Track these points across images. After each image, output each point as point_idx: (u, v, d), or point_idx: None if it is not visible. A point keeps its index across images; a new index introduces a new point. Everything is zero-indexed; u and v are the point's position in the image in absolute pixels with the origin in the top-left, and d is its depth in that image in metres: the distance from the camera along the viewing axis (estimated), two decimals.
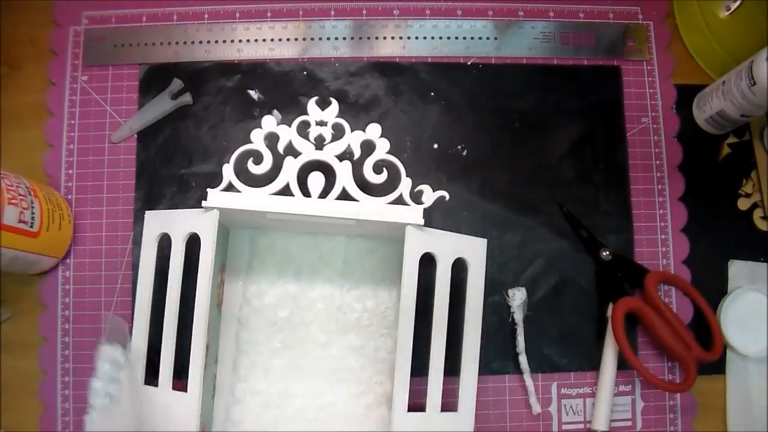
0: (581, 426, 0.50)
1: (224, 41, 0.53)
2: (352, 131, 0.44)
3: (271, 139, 0.44)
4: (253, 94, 0.53)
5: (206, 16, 0.54)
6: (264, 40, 0.53)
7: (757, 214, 0.53)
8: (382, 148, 0.44)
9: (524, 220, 0.52)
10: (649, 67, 0.55)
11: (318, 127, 0.44)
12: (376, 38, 0.54)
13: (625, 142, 0.53)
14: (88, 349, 0.48)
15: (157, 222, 0.45)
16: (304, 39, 0.53)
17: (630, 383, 0.50)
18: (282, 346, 0.48)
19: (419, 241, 0.43)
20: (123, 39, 0.53)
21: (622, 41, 0.55)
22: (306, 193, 0.43)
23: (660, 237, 0.52)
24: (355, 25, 0.54)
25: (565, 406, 0.50)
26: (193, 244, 0.44)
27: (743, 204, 0.53)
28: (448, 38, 0.54)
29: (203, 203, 0.43)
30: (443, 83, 0.53)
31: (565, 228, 0.52)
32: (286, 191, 0.43)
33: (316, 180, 0.44)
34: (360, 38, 0.54)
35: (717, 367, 0.51)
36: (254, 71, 0.53)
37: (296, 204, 0.43)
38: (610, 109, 0.54)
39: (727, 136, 0.54)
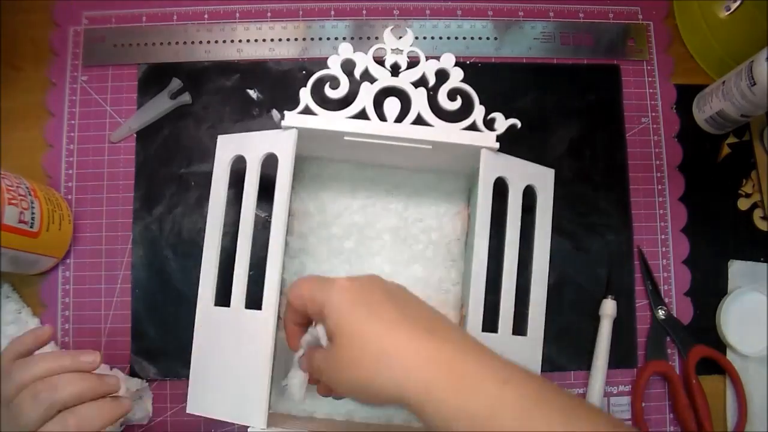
0: None
1: (224, 41, 0.53)
2: (426, 60, 0.44)
3: (347, 66, 0.44)
4: (253, 93, 0.53)
5: (206, 16, 0.54)
6: (264, 40, 0.53)
7: (757, 214, 0.53)
8: (456, 77, 0.44)
9: None
10: (649, 67, 0.55)
11: (393, 54, 0.45)
12: (376, 38, 0.54)
13: (625, 142, 0.53)
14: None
15: (230, 145, 0.45)
16: (304, 39, 0.53)
17: (630, 383, 0.50)
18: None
19: (494, 164, 0.44)
20: (123, 39, 0.53)
21: (622, 41, 0.55)
22: (382, 117, 0.44)
23: (660, 237, 0.52)
24: (355, 25, 0.54)
25: None
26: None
27: (743, 204, 0.53)
28: (448, 38, 0.54)
29: (282, 123, 0.43)
30: None
31: (565, 228, 0.52)
32: (362, 116, 0.43)
33: (392, 105, 0.44)
34: (360, 38, 0.54)
35: (717, 367, 0.51)
36: (254, 71, 0.53)
37: (374, 126, 0.43)
38: (609, 109, 0.54)
39: (727, 136, 0.54)
